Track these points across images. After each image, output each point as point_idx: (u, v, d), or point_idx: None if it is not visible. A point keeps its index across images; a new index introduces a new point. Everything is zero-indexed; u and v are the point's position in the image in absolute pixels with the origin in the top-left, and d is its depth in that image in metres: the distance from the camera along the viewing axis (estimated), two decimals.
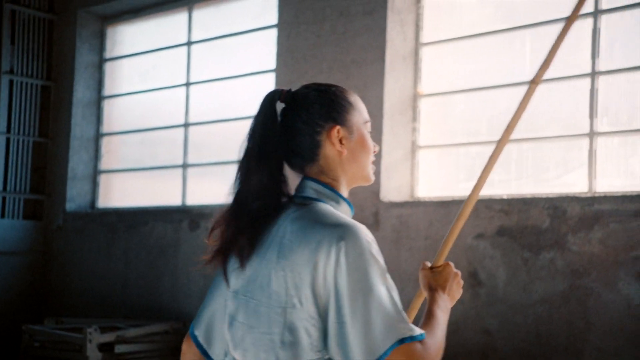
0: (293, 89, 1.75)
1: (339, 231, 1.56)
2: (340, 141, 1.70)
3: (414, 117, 5.67)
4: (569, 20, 2.03)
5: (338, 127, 1.70)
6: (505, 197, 5.08)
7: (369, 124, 1.76)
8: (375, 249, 1.58)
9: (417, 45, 5.62)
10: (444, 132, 5.58)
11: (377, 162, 5.80)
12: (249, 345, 1.59)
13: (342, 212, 1.68)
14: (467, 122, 5.50)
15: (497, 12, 5.42)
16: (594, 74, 4.83)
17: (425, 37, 5.64)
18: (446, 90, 5.56)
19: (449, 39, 5.54)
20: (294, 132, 1.69)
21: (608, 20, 4.85)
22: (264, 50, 6.41)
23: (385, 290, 1.54)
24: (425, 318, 1.72)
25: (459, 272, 1.91)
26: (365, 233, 1.59)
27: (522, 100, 2.11)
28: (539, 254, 4.82)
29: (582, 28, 4.93)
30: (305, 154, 1.71)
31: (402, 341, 1.51)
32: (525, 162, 5.22)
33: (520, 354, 4.88)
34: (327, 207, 1.66)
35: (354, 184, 1.75)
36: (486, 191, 5.27)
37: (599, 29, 4.83)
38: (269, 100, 1.68)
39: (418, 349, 1.53)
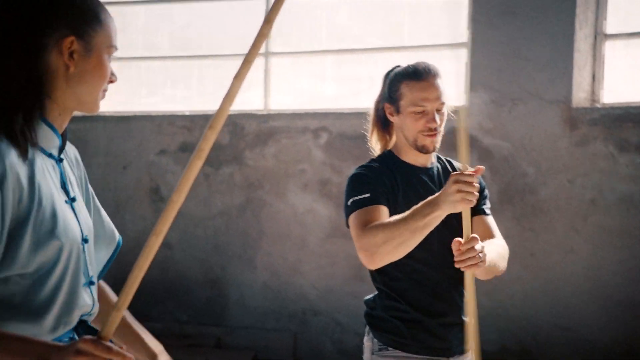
0: None
1: None
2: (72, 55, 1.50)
3: None
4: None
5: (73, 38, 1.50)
6: (187, 113, 5.29)
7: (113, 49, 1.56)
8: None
9: None
10: (123, 46, 5.62)
11: None
12: None
13: (39, 133, 1.50)
14: (148, 35, 5.56)
15: None
16: None
17: None
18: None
19: None
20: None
21: None
22: None
23: None
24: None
25: (85, 352, 1.39)
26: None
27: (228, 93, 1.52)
28: (219, 169, 5.16)
29: None
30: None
31: None
32: (206, 80, 5.46)
33: (199, 264, 5.26)
34: None
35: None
36: (168, 107, 5.48)
37: None
38: None
39: None
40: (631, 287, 4.48)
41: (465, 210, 1.94)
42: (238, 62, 4.66)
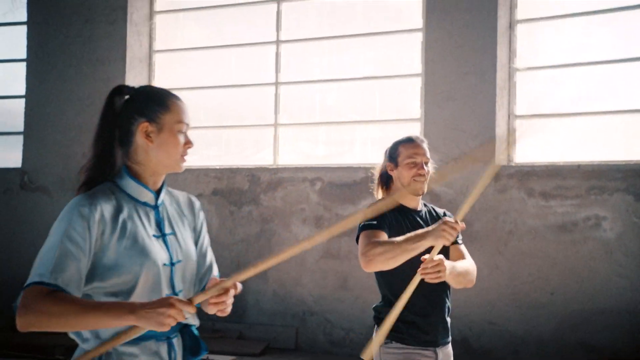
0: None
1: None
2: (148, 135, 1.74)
3: None
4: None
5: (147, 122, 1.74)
6: (217, 167, 6.48)
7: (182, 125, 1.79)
8: (77, 212, 1.66)
9: (151, 51, 6.95)
10: None
11: None
12: None
13: (130, 188, 1.78)
14: (190, 111, 6.86)
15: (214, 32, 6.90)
16: (277, 84, 6.58)
17: (158, 45, 6.99)
18: (179, 86, 6.88)
19: (179, 49, 6.96)
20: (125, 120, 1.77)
21: (287, 48, 6.63)
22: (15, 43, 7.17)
23: (58, 240, 1.64)
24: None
25: (175, 305, 1.63)
26: (79, 201, 1.69)
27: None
28: (241, 208, 6.29)
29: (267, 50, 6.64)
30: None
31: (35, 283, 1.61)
32: (232, 143, 6.72)
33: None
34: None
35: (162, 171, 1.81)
36: (204, 163, 6.70)
37: (280, 53, 6.58)
38: (111, 92, 1.81)
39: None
40: (538, 292, 5.35)
41: (439, 245, 2.39)
42: (253, 130, 6.40)
